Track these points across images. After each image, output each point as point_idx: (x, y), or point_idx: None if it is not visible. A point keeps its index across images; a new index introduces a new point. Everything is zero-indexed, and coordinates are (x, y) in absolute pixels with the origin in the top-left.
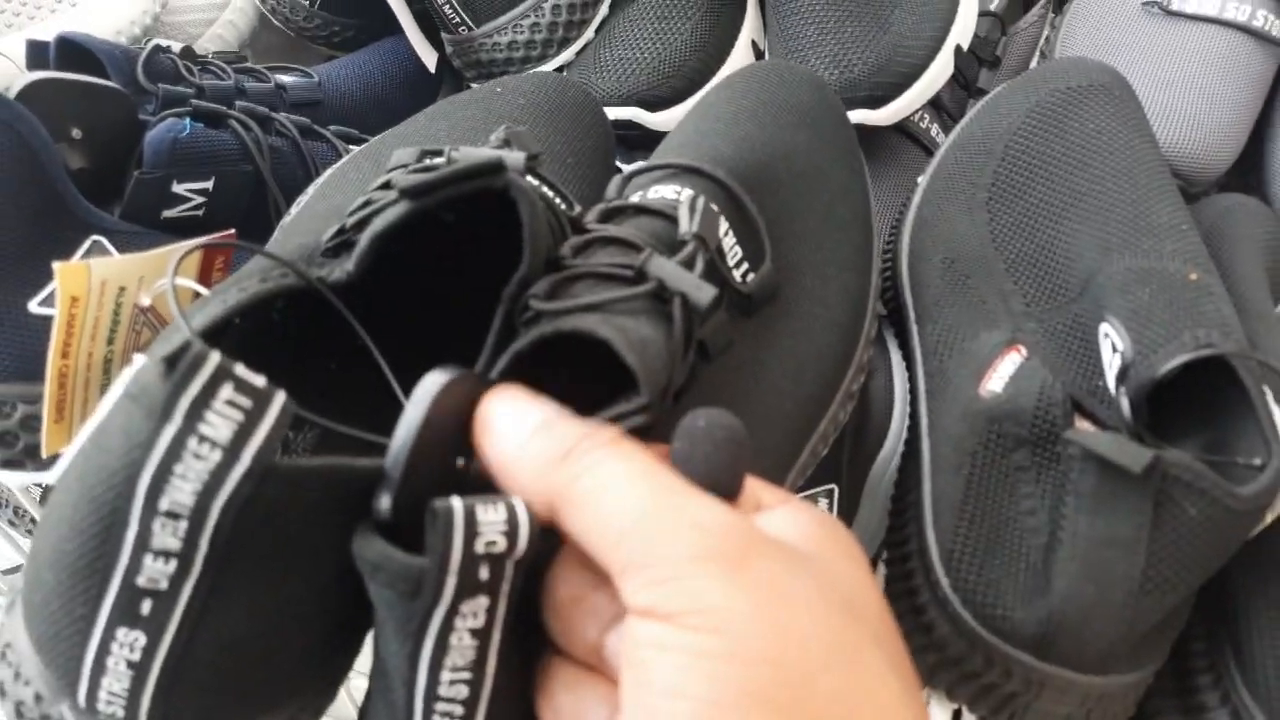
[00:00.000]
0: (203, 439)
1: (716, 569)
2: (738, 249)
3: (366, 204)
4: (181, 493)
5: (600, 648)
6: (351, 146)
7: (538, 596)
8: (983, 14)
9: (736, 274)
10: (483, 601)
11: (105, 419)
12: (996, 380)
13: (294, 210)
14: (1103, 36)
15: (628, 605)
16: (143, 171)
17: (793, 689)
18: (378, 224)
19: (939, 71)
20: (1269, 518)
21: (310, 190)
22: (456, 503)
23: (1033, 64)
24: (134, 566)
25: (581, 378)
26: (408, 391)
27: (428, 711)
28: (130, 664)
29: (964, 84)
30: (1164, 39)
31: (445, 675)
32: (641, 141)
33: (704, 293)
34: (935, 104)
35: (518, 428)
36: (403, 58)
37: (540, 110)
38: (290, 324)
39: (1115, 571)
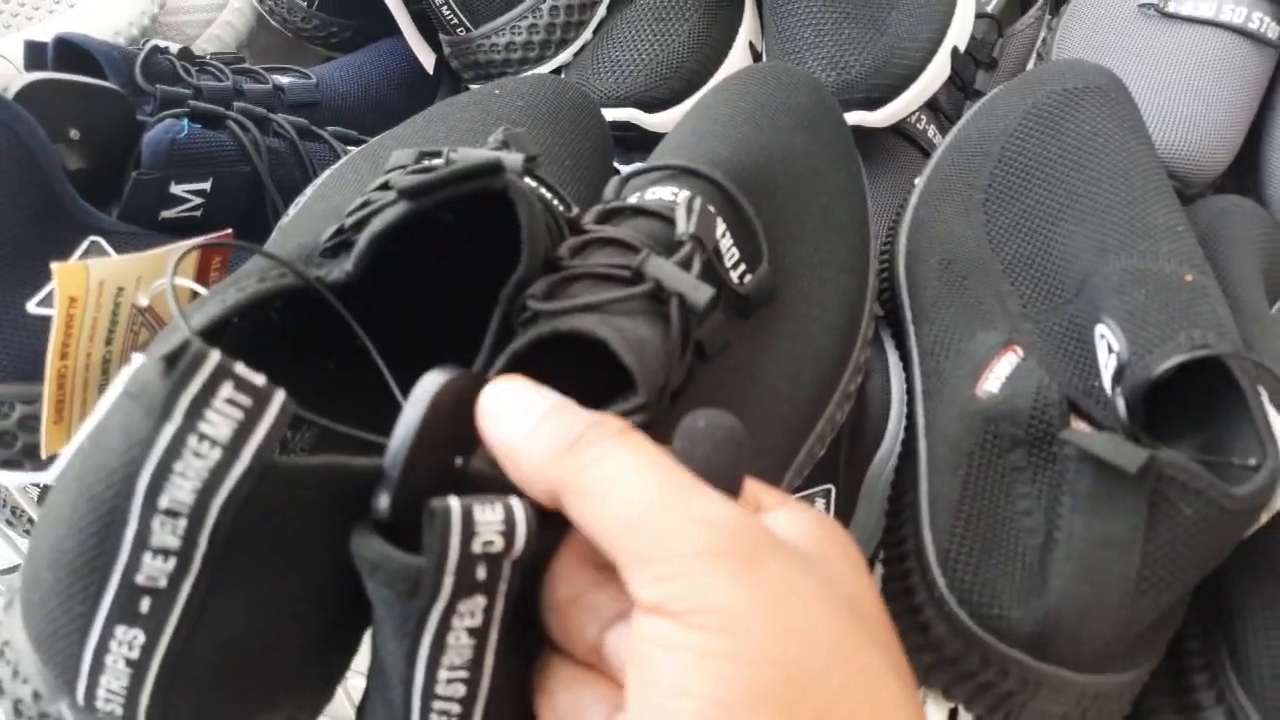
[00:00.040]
0: (203, 437)
1: (724, 566)
2: (735, 250)
3: (365, 204)
4: (181, 491)
5: (600, 647)
6: (349, 147)
7: (536, 595)
8: (979, 16)
9: (734, 275)
10: (480, 601)
11: (104, 418)
12: (993, 381)
13: (292, 211)
14: (1099, 38)
15: (634, 598)
16: (141, 172)
17: (797, 689)
18: (376, 224)
19: (936, 73)
20: (1264, 518)
21: (308, 191)
22: (454, 502)
23: (1029, 66)
24: (133, 564)
25: (579, 378)
26: (406, 391)
27: (425, 710)
28: (129, 662)
29: (961, 85)
30: (1160, 41)
31: (443, 674)
32: (639, 143)
33: (701, 293)
34: (932, 105)
35: (525, 414)
36: (400, 59)
37: (538, 112)
38: (289, 324)
39: (1111, 571)
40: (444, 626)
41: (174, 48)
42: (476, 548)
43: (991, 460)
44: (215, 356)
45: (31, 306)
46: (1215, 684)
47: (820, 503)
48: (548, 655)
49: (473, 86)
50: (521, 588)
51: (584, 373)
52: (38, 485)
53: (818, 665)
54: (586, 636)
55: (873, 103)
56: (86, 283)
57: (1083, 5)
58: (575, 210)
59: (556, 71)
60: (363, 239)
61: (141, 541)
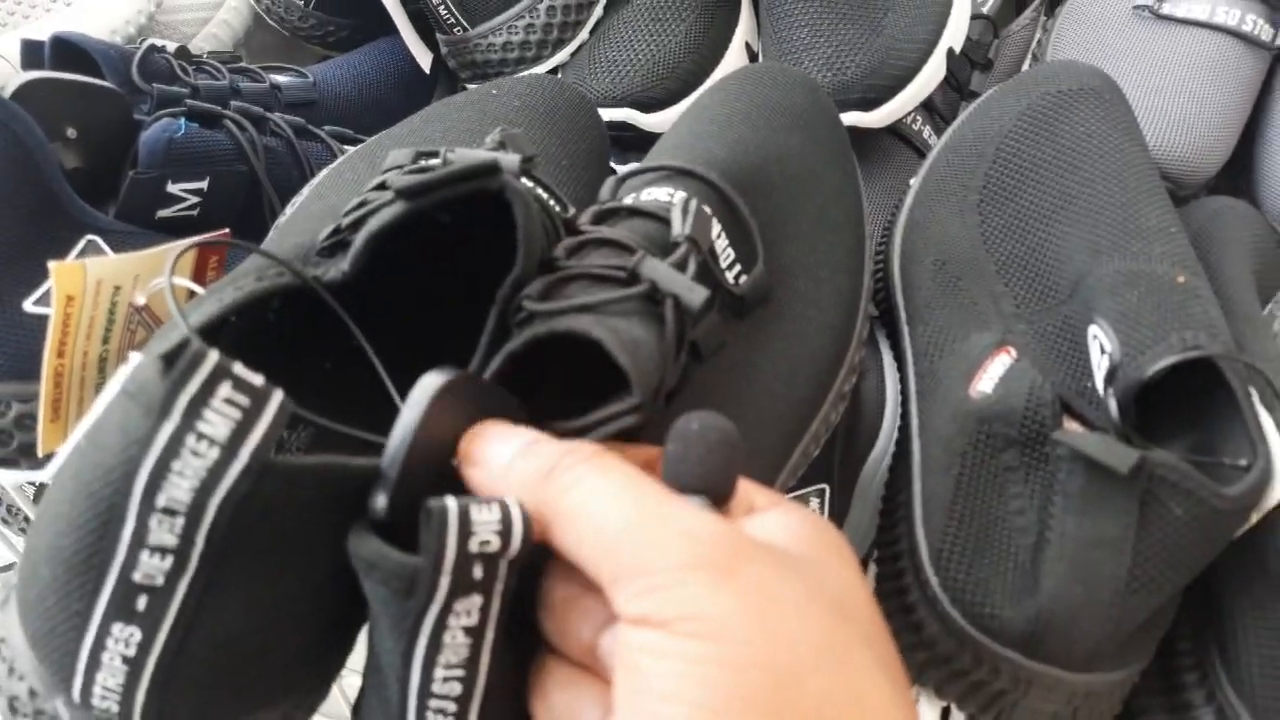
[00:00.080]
0: (200, 436)
1: (706, 576)
2: (730, 251)
3: (362, 204)
4: (179, 489)
5: (594, 648)
6: (346, 147)
7: (532, 596)
8: (975, 17)
9: (729, 276)
10: (476, 600)
11: (102, 416)
12: (986, 381)
13: (289, 210)
14: (1094, 40)
15: (620, 614)
16: (138, 171)
17: (784, 692)
18: (373, 224)
19: (931, 74)
20: (1254, 518)
21: (305, 190)
22: (451, 502)
23: (1024, 67)
24: (130, 562)
25: (574, 379)
26: (402, 391)
27: (421, 708)
28: (125, 659)
29: (956, 86)
30: (1154, 43)
31: (439, 673)
32: (636, 143)
33: (695, 294)
34: (928, 106)
35: (501, 453)
36: (398, 58)
37: (536, 112)
38: (286, 323)
39: (1102, 571)
40: (440, 626)
41: (171, 46)
42: (473, 547)
43: (984, 460)
44: (214, 356)
45: (28, 305)
46: (1205, 683)
47: (814, 502)
48: (543, 655)
49: (470, 86)
50: (518, 588)
51: (579, 373)
52: (34, 483)
53: (805, 668)
54: (581, 637)
55: (868, 103)
56: (84, 281)
57: (1078, 7)
58: (572, 210)
59: (553, 71)
60: (360, 239)
61: (139, 539)
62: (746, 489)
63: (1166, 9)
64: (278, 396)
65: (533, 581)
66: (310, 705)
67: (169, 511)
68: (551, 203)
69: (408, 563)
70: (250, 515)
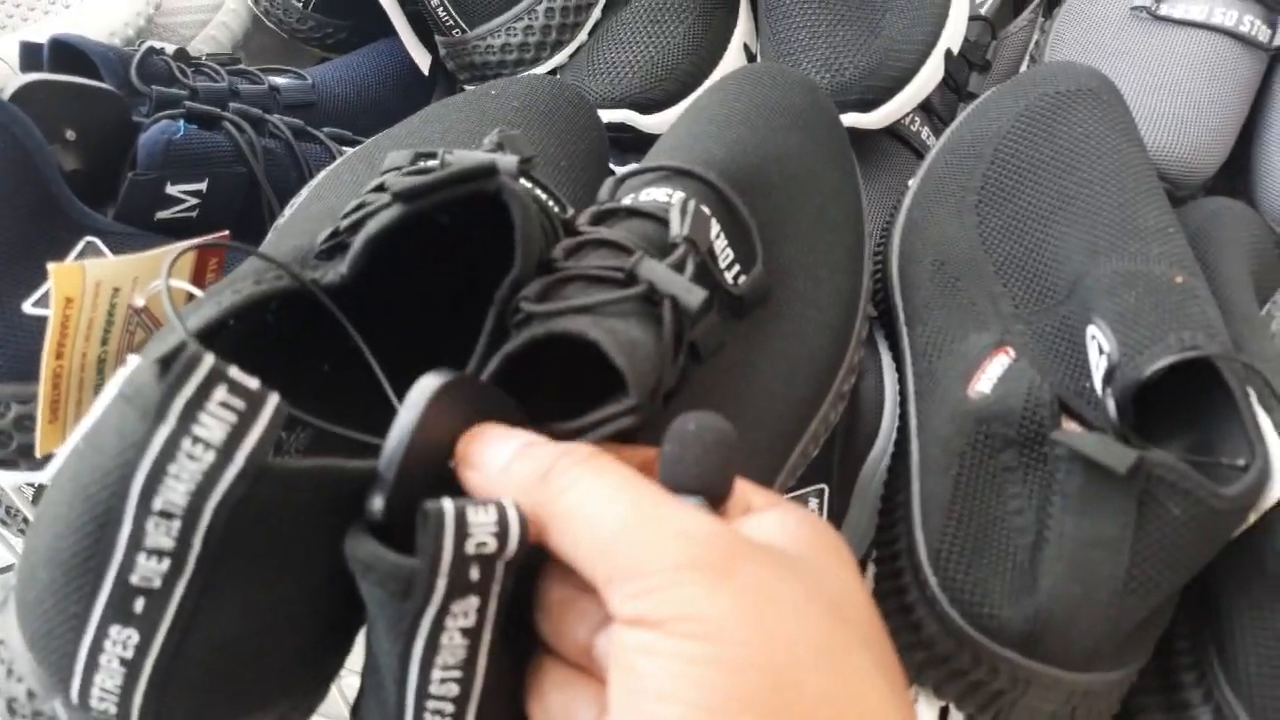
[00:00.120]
0: (196, 440)
1: (702, 576)
2: (729, 251)
3: (360, 206)
4: (175, 493)
5: (590, 648)
6: (345, 148)
7: (529, 597)
8: (973, 18)
9: (728, 276)
10: (473, 602)
11: (100, 419)
12: (985, 381)
13: (288, 212)
14: (1091, 41)
15: (615, 615)
16: (137, 173)
17: (780, 692)
18: (372, 226)
19: (930, 75)
20: (1252, 518)
21: (304, 192)
22: (448, 504)
23: (1022, 68)
24: (127, 565)
25: (572, 380)
26: (400, 393)
27: (419, 710)
28: (123, 661)
29: (954, 87)
30: (1152, 44)
31: (436, 674)
32: (634, 144)
33: (693, 295)
34: (926, 107)
35: (497, 456)
36: (396, 60)
37: (534, 113)
38: (284, 326)
39: (1100, 571)
40: (437, 627)
41: (169, 49)
42: (470, 549)
43: (983, 460)
44: (209, 359)
45: (27, 307)
46: (1203, 682)
47: (813, 503)
48: (539, 656)
49: (468, 88)
50: (514, 589)
51: (577, 374)
52: (32, 485)
53: (802, 669)
54: (577, 638)
55: (867, 104)
56: (83, 283)
57: (1075, 8)
58: (571, 211)
59: (552, 73)
60: (358, 241)
61: (136, 542)
62: (744, 489)
63: (1164, 10)
64: (273, 400)
65: (530, 583)
66: (308, 707)
67: (165, 514)
68: (550, 203)
69: (404, 564)
70: (247, 518)
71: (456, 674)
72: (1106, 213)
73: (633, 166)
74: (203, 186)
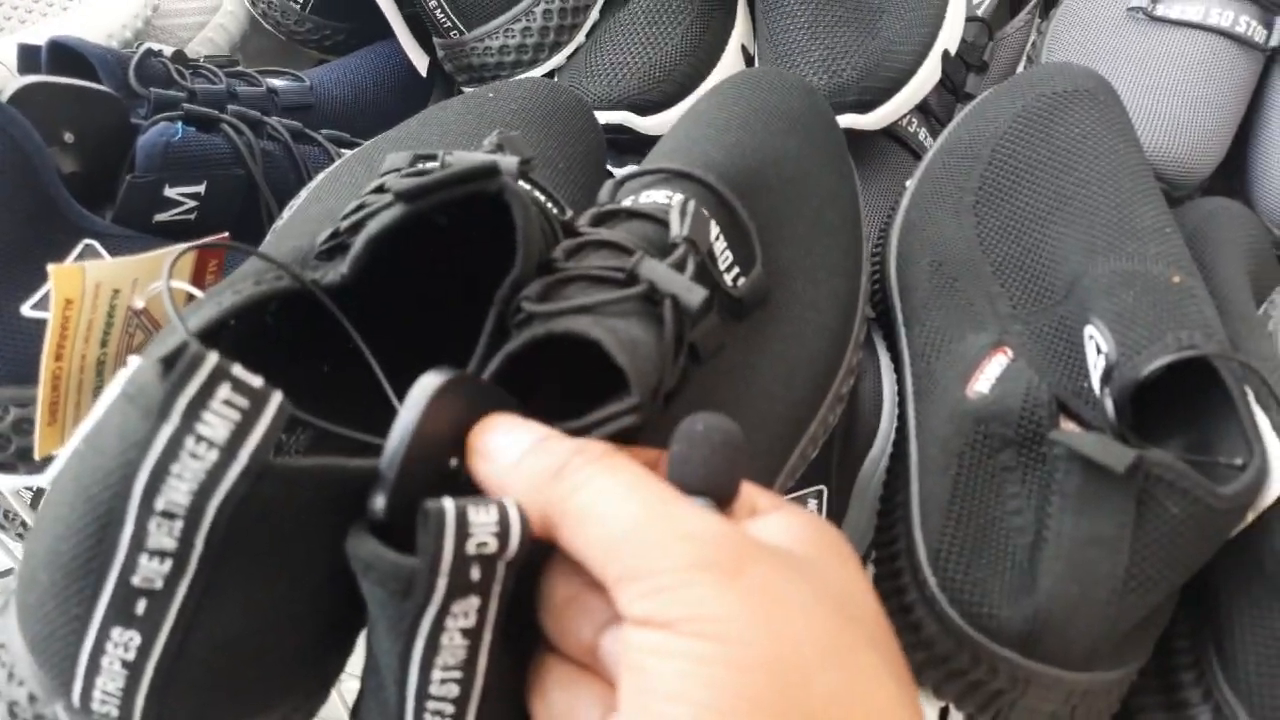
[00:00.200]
0: (200, 438)
1: (712, 577)
2: (729, 253)
3: (360, 207)
4: (177, 492)
5: (595, 648)
6: (343, 150)
7: (531, 595)
8: (970, 19)
9: (728, 278)
10: (474, 602)
11: (101, 419)
12: (983, 381)
13: (286, 214)
14: (1088, 41)
15: (624, 615)
16: (135, 175)
17: (789, 692)
18: (372, 227)
19: (927, 76)
20: (1250, 516)
21: (303, 194)
22: (448, 504)
23: (1019, 69)
24: (129, 566)
25: (573, 380)
26: (400, 393)
27: (419, 710)
28: (125, 663)
29: (951, 88)
30: (1148, 44)
31: (436, 674)
32: (632, 145)
33: (694, 295)
34: (923, 108)
35: (510, 448)
36: (394, 61)
37: (533, 115)
38: (283, 327)
39: (1099, 570)
40: (438, 627)
41: (167, 51)
42: (471, 549)
43: (981, 460)
44: (213, 358)
45: (26, 310)
46: (1202, 681)
47: (812, 503)
48: (543, 655)
49: (466, 89)
50: (518, 587)
51: (578, 374)
52: (30, 488)
53: (811, 668)
54: (582, 637)
55: (864, 105)
56: (83, 285)
57: (1072, 9)
58: (569, 213)
59: (550, 74)
60: (359, 241)
61: (138, 543)
62: (749, 492)
63: (1160, 10)
64: (277, 398)
65: (532, 581)
66: (309, 709)
67: (168, 514)
68: (549, 205)
69: (405, 564)
70: (249, 517)
71: (457, 674)
72: (1104, 213)
73: (632, 169)
74: (201, 189)
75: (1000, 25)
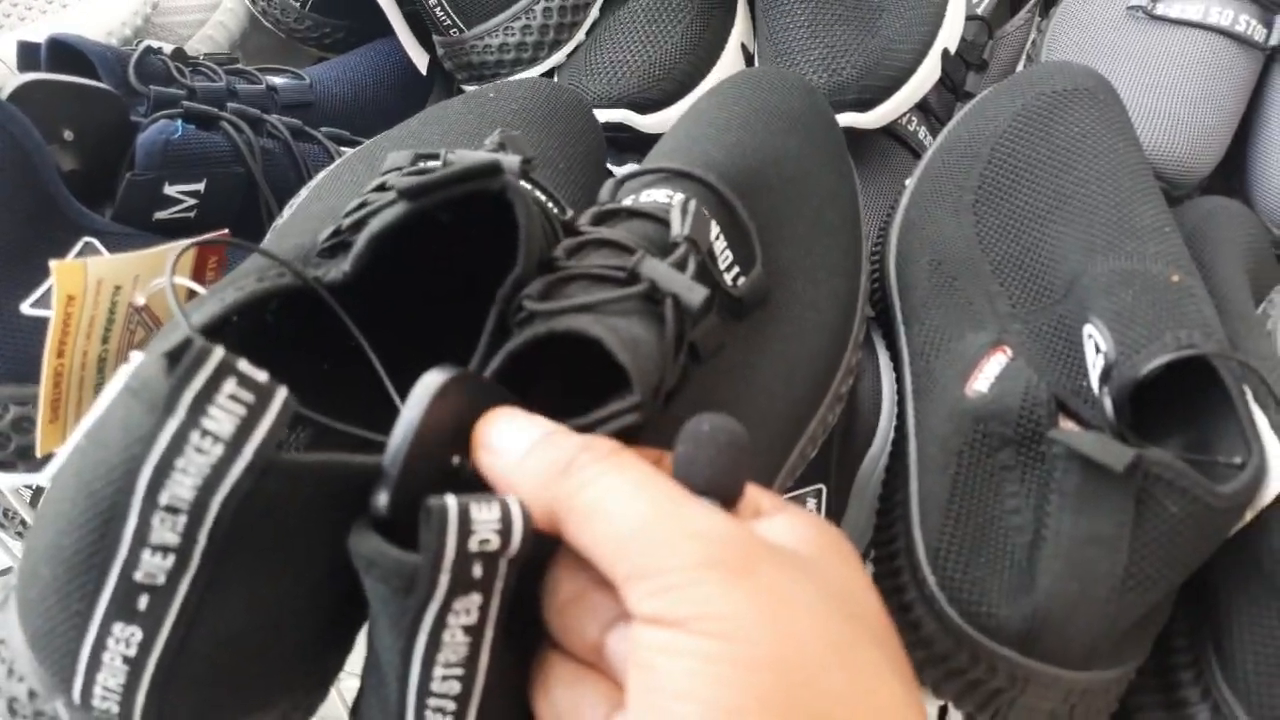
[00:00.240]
0: (205, 433)
1: (720, 576)
2: (729, 253)
3: (362, 205)
4: (182, 487)
5: (600, 646)
6: (343, 148)
7: (535, 593)
8: (970, 18)
9: (728, 277)
10: (476, 599)
11: (104, 414)
12: (982, 380)
13: (287, 212)
14: (1088, 40)
15: (633, 613)
16: (134, 173)
17: (795, 690)
18: (375, 225)
19: (926, 75)
20: (1249, 515)
21: (304, 192)
22: (451, 501)
23: (1019, 67)
24: (132, 561)
25: (574, 378)
26: (401, 391)
27: (420, 706)
28: (126, 659)
29: (951, 87)
30: (1148, 43)
31: (438, 671)
32: (632, 144)
33: (695, 294)
34: (923, 107)
35: (516, 443)
36: (394, 60)
37: (533, 115)
38: (284, 324)
39: (1098, 569)
40: (439, 624)
41: (167, 48)
42: (473, 546)
43: (980, 459)
44: (219, 352)
45: (26, 308)
46: (1201, 680)
47: (811, 503)
48: (547, 653)
49: (466, 87)
50: (522, 586)
51: (579, 373)
52: (30, 487)
53: (816, 667)
54: (587, 636)
55: (864, 104)
56: (84, 281)
57: (1072, 8)
58: (570, 213)
59: (550, 73)
60: (361, 239)
61: (141, 538)
62: (753, 493)
63: (1160, 9)
64: (282, 394)
65: (535, 579)
66: (309, 706)
67: (171, 509)
68: (549, 204)
69: (407, 560)
70: (252, 513)
71: (458, 671)
72: (1103, 212)
73: (632, 168)
74: (201, 186)
75: (1000, 24)
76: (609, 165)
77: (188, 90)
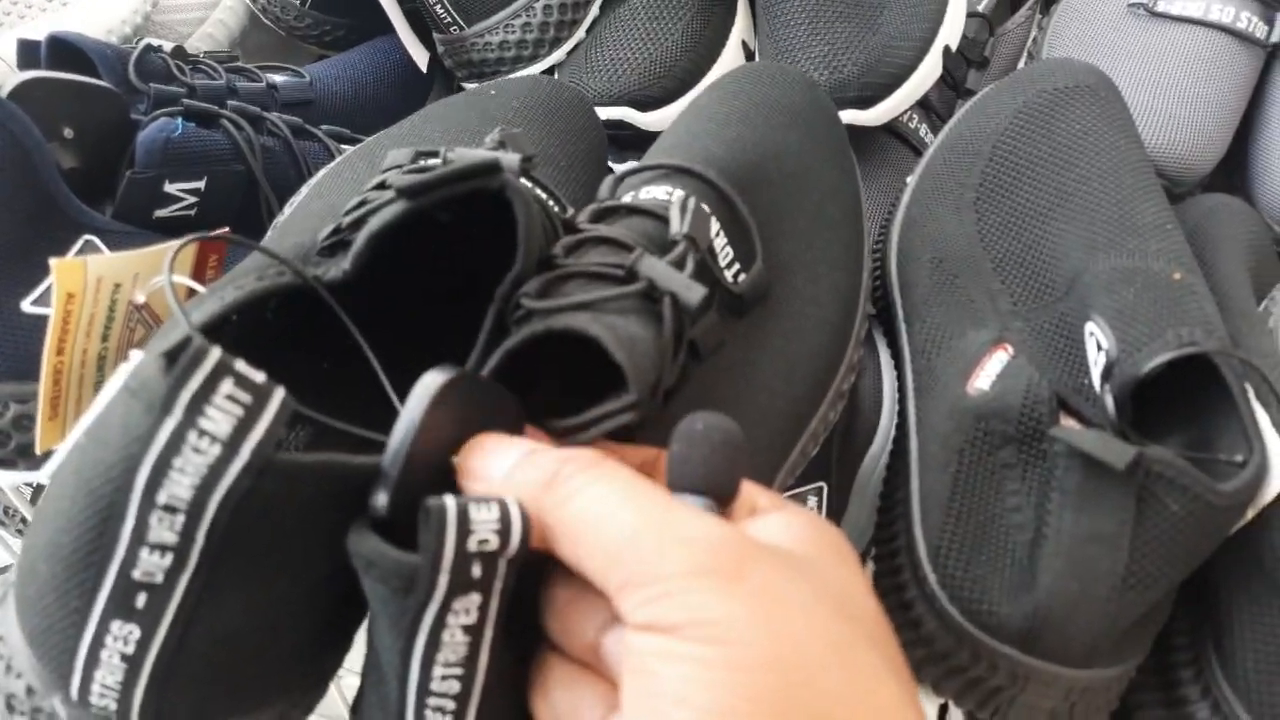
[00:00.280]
0: (202, 433)
1: (712, 582)
2: (729, 249)
3: (362, 204)
4: (180, 486)
5: (598, 647)
6: (344, 146)
7: (534, 594)
8: (971, 15)
9: (728, 274)
10: (475, 599)
11: (104, 413)
12: (984, 378)
13: (287, 210)
14: (1089, 38)
15: (627, 622)
16: (135, 171)
17: (792, 692)
18: (375, 223)
19: (928, 72)
20: (1250, 514)
21: (304, 190)
22: (450, 501)
23: (1020, 65)
24: (130, 559)
25: (572, 377)
26: (400, 390)
27: (420, 706)
28: (124, 657)
29: (952, 84)
30: (1149, 40)
31: (437, 671)
32: (633, 141)
33: (693, 292)
34: (924, 104)
35: (498, 465)
36: (394, 57)
37: (534, 113)
38: (284, 323)
39: (1099, 567)
40: (439, 624)
41: (167, 46)
42: (472, 546)
43: (982, 457)
44: (216, 352)
45: (26, 305)
46: (1201, 678)
47: (812, 500)
48: (545, 653)
49: (467, 85)
50: (521, 586)
51: (577, 371)
52: (30, 485)
53: (813, 669)
54: (585, 637)
55: (865, 101)
56: (84, 279)
57: (1073, 4)
58: (570, 211)
59: (550, 70)
60: (361, 238)
61: (139, 537)
62: (749, 491)
63: (1161, 6)
64: (279, 394)
65: (533, 579)
66: (307, 705)
67: (170, 509)
68: (550, 202)
69: (406, 561)
70: (250, 513)
71: (458, 671)
72: (1104, 209)
73: (632, 164)
74: (201, 185)
75: (1001, 21)
76: (610, 163)
77: (188, 88)
